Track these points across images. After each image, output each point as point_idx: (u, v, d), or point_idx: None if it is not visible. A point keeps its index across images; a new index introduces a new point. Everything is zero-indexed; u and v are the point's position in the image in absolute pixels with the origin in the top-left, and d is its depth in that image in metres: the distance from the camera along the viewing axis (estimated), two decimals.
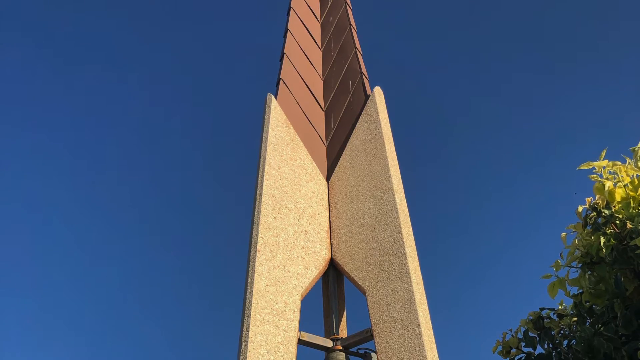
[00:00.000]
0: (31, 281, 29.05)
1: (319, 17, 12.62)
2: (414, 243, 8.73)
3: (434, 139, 30.91)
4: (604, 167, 7.13)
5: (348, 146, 9.87)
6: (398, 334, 8.04)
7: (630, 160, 7.32)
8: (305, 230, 9.11)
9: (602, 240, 6.02)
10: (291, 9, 11.90)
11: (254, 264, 8.38)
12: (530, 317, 6.13)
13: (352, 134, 9.92)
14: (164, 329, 30.16)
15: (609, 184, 6.73)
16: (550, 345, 5.27)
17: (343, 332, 9.17)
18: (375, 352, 8.42)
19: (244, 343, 7.82)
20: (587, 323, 5.59)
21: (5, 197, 29.00)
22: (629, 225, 5.98)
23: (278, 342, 8.00)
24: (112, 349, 29.51)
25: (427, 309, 8.28)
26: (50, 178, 29.98)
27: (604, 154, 7.20)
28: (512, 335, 6.06)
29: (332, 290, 9.23)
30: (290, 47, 11.27)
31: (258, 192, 9.13)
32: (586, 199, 7.12)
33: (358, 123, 9.94)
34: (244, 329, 7.94)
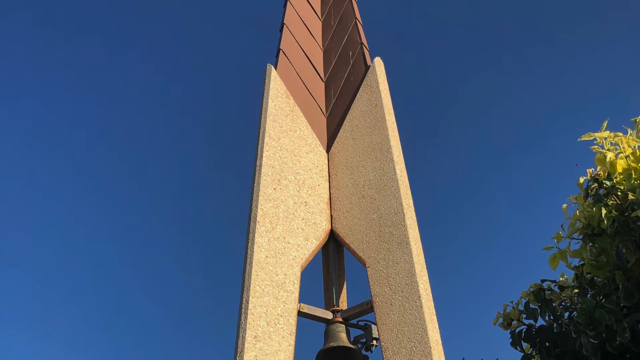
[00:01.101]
0: (30, 255, 29.07)
1: None
2: (414, 214, 8.70)
3: (434, 110, 30.83)
4: (605, 138, 7.07)
5: (348, 117, 9.81)
6: (398, 306, 8.02)
7: (631, 132, 7.27)
8: (305, 202, 9.08)
9: (604, 211, 5.98)
10: None
11: (254, 236, 8.35)
12: (532, 289, 6.11)
13: (352, 105, 9.86)
14: (163, 302, 30.22)
15: (610, 155, 6.68)
16: (552, 317, 5.24)
17: (343, 304, 9.16)
18: (375, 324, 8.41)
19: (243, 315, 7.80)
20: (589, 295, 5.56)
21: (4, 169, 28.96)
22: (630, 196, 5.94)
23: (278, 314, 7.98)
24: (111, 323, 29.59)
25: (427, 280, 8.25)
26: (49, 150, 29.92)
27: (605, 125, 7.15)
28: (513, 307, 6.04)
29: (332, 262, 9.21)
30: (290, 17, 11.18)
31: (258, 163, 9.08)
32: (587, 170, 7.08)
33: (358, 94, 9.89)
34: (244, 301, 7.92)
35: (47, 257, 29.43)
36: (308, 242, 8.71)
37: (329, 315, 8.69)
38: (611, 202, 6.25)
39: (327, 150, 9.88)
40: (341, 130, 9.81)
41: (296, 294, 8.29)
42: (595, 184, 6.44)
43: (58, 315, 29.53)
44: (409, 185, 8.98)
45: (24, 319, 29.28)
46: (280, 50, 10.37)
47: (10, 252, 28.98)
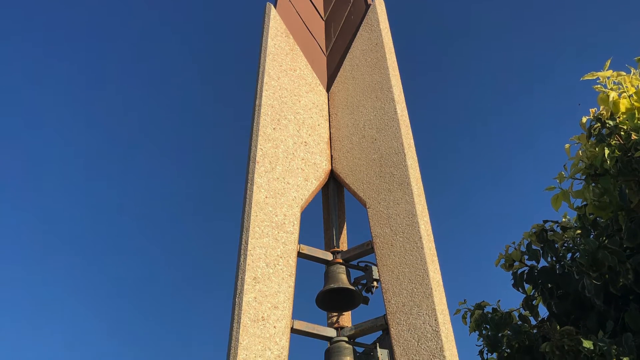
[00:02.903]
0: (29, 195, 29.06)
1: None
2: (415, 154, 8.64)
3: (435, 48, 30.59)
4: (608, 78, 6.97)
5: (348, 56, 9.71)
6: (399, 247, 7.99)
7: (635, 71, 7.17)
8: (305, 142, 9.01)
9: (607, 151, 5.90)
10: None
11: (253, 176, 8.29)
12: (534, 230, 6.05)
13: (353, 44, 9.75)
14: (161, 244, 30.31)
15: (613, 95, 6.59)
16: (554, 259, 5.19)
17: (343, 245, 9.13)
18: (376, 265, 8.39)
19: (242, 256, 7.77)
20: (591, 236, 5.50)
21: (4, 111, 28.84)
22: (633, 136, 5.86)
23: (277, 255, 7.95)
24: (109, 267, 29.70)
25: (428, 221, 8.21)
26: (47, 92, 29.76)
27: (608, 64, 7.04)
28: (515, 249, 5.98)
29: (333, 203, 9.17)
30: None
31: (257, 102, 9.00)
32: (590, 109, 6.99)
33: (358, 33, 9.77)
34: (243, 242, 7.89)
35: (46, 199, 29.44)
36: (308, 182, 8.66)
37: (329, 256, 8.66)
38: (614, 142, 6.17)
39: (327, 90, 9.79)
40: (341, 70, 9.72)
41: (296, 235, 8.26)
42: (598, 124, 6.35)
43: (57, 259, 29.65)
44: (409, 125, 8.91)
45: (23, 261, 29.39)
46: None
47: (9, 195, 28.98)
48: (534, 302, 5.37)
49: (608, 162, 5.70)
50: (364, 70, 9.42)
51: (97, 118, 29.98)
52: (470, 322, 4.97)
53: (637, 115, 6.39)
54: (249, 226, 7.91)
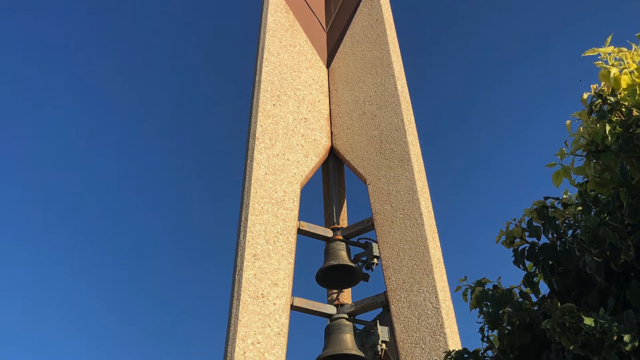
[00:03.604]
0: (28, 171, 29.03)
1: None
2: (415, 131, 8.62)
3: (435, 25, 30.46)
4: (609, 54, 6.90)
5: (348, 32, 9.66)
6: (399, 224, 7.97)
7: (636, 47, 7.10)
8: (305, 118, 8.98)
9: (608, 128, 5.86)
10: None
11: (253, 152, 8.28)
12: (535, 207, 6.02)
13: (353, 19, 9.70)
14: (162, 220, 30.30)
15: (614, 71, 6.54)
16: (555, 235, 5.16)
17: (343, 222, 9.13)
18: (376, 241, 8.38)
19: (242, 233, 7.76)
20: (592, 212, 5.47)
21: (3, 79, 28.73)
22: (635, 112, 5.82)
23: (277, 232, 7.94)
24: (110, 240, 29.71)
25: (429, 198, 8.20)
26: (46, 62, 29.65)
27: (609, 40, 6.97)
28: (516, 225, 5.95)
29: (333, 179, 9.16)
30: None
31: (257, 79, 8.98)
32: (591, 85, 6.94)
33: (359, 9, 9.72)
34: (243, 219, 7.88)
35: (46, 169, 29.40)
36: (308, 159, 8.64)
37: (329, 233, 8.65)
38: (615, 118, 6.13)
39: (327, 66, 9.75)
40: (341, 46, 9.67)
41: (296, 212, 8.24)
42: (599, 100, 6.30)
43: (56, 234, 29.65)
44: (410, 101, 8.88)
45: (23, 233, 29.40)
46: None
47: (10, 167, 28.94)
48: (534, 279, 5.35)
49: (609, 138, 5.65)
50: (364, 47, 9.38)
51: (97, 93, 29.88)
52: (471, 299, 4.94)
53: (638, 92, 6.34)
54: (248, 203, 7.90)
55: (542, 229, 5.32)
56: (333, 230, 8.68)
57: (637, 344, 3.61)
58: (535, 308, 4.71)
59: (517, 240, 5.38)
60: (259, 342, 7.28)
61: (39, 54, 29.72)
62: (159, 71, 30.77)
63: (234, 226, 8.02)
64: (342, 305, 8.38)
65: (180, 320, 29.90)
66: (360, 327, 8.44)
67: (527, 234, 5.34)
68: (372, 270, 8.59)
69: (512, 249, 5.28)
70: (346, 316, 8.22)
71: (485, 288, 5.00)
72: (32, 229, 29.33)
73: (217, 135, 30.39)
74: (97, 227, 29.69)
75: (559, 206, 5.77)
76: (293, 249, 7.94)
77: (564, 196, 6.48)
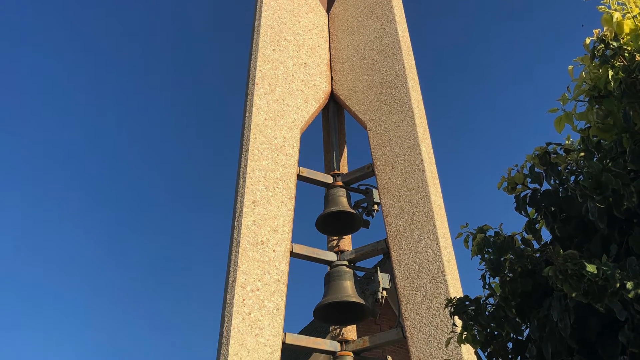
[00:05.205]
0: (27, 121, 28.94)
1: None
2: (416, 76, 8.55)
3: None
4: None
5: None
6: (400, 170, 7.93)
7: None
8: (305, 63, 8.90)
9: (610, 73, 5.79)
10: None
11: (252, 98, 8.21)
12: (537, 153, 5.97)
13: None
14: (161, 166, 30.29)
15: (617, 15, 6.46)
16: (557, 181, 5.11)
17: (344, 168, 9.08)
18: (376, 188, 8.34)
19: (241, 179, 7.72)
20: (595, 158, 5.43)
21: (1, 28, 28.54)
22: (637, 57, 5.75)
23: (277, 178, 7.90)
24: (110, 187, 29.72)
25: (430, 144, 8.15)
26: (45, 14, 29.43)
27: None
28: (518, 171, 5.91)
29: (333, 125, 9.10)
30: None
31: (256, 23, 8.88)
32: (594, 30, 6.86)
33: None
34: (242, 165, 7.83)
35: (45, 119, 29.33)
36: (308, 104, 8.57)
37: (329, 179, 8.61)
38: (618, 63, 6.06)
39: (328, 11, 9.64)
40: None
41: (295, 158, 8.20)
42: (602, 45, 6.22)
43: (54, 181, 29.65)
44: (410, 46, 8.79)
45: (22, 184, 29.40)
46: None
47: (9, 117, 28.86)
48: (536, 226, 5.31)
49: (612, 83, 5.58)
50: None
51: (95, 41, 29.68)
52: (472, 246, 4.91)
53: None
54: (247, 149, 7.85)
55: (544, 175, 5.28)
56: (333, 176, 8.64)
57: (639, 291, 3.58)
58: (537, 255, 4.67)
59: (519, 186, 5.34)
60: (258, 289, 7.27)
61: (38, 3, 29.47)
62: (157, 19, 30.55)
63: (233, 172, 7.98)
64: (342, 252, 8.37)
65: (179, 268, 30.08)
66: (360, 274, 8.44)
67: (529, 180, 5.30)
68: (372, 216, 8.56)
69: (513, 195, 5.24)
70: (346, 263, 8.21)
71: (487, 235, 4.96)
72: (30, 176, 29.33)
73: (216, 82, 30.25)
74: (96, 175, 29.72)
75: (561, 152, 5.72)
76: (293, 196, 7.90)
77: (566, 142, 6.43)
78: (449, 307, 4.65)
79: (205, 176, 31.24)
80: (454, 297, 4.66)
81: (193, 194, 31.60)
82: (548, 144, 5.81)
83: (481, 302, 4.64)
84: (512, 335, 4.58)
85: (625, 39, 6.14)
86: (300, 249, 7.98)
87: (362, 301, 7.93)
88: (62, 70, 29.79)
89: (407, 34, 8.93)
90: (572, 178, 5.25)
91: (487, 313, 4.61)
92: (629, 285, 3.55)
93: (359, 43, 9.02)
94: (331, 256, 8.29)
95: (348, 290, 7.95)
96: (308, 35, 9.15)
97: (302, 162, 8.34)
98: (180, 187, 31.84)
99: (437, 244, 7.45)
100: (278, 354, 7.18)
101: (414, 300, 7.39)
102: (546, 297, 4.15)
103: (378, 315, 8.64)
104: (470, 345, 4.58)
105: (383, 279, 7.94)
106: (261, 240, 7.50)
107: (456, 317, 4.62)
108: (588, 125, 6.08)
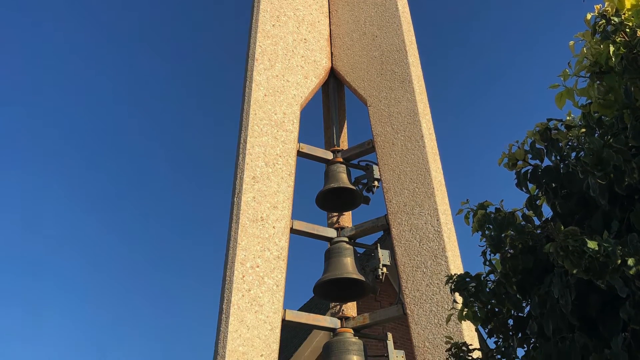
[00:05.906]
0: (26, 91, 28.86)
1: None
2: (417, 52, 8.51)
3: None
4: None
5: None
6: (400, 146, 7.90)
7: None
8: (305, 39, 8.86)
9: (612, 48, 5.76)
10: None
11: (252, 74, 8.18)
12: (538, 129, 5.95)
13: None
14: (161, 142, 30.25)
15: None
16: (558, 158, 5.09)
17: (344, 144, 9.05)
18: (376, 164, 8.32)
19: (241, 155, 7.69)
20: (596, 134, 5.41)
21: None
22: (639, 33, 5.72)
23: (277, 154, 7.88)
24: (108, 164, 29.70)
25: (430, 120, 8.12)
26: None
27: None
28: (519, 147, 5.89)
29: (333, 101, 9.07)
30: None
31: None
32: (595, 6, 6.83)
33: None
34: (241, 141, 7.80)
35: (43, 90, 29.24)
36: (308, 80, 8.53)
37: (329, 155, 8.59)
38: (619, 39, 6.02)
39: None
40: None
41: (295, 134, 8.17)
42: (603, 21, 6.18)
43: (54, 157, 29.62)
44: (411, 21, 8.75)
45: (23, 160, 29.37)
46: None
47: (7, 86, 28.78)
48: (537, 202, 5.30)
49: (613, 59, 5.55)
50: None
51: (94, 11, 29.57)
52: (473, 222, 4.89)
53: None
54: (247, 125, 7.82)
55: (545, 151, 5.26)
56: (333, 152, 8.62)
57: None
58: (538, 231, 4.66)
59: (520, 162, 5.32)
60: (258, 266, 7.26)
61: None
62: None
63: (233, 148, 7.96)
64: (342, 228, 8.36)
65: (179, 243, 30.08)
66: (360, 250, 8.43)
67: (529, 156, 5.28)
68: (372, 192, 8.54)
69: (514, 171, 5.23)
70: (346, 239, 8.20)
71: (488, 211, 4.95)
72: (29, 148, 29.27)
73: (216, 56, 30.15)
74: (94, 148, 29.69)
75: (562, 128, 5.70)
76: (293, 172, 7.88)
77: (567, 118, 6.41)
78: (450, 284, 4.64)
79: (205, 152, 31.21)
80: (455, 274, 4.65)
81: (193, 170, 31.58)
82: (549, 119, 5.78)
83: (482, 278, 4.63)
84: (512, 312, 4.57)
85: (626, 15, 6.10)
86: (300, 225, 7.97)
87: (362, 278, 7.93)
88: (61, 39, 29.69)
89: (407, 9, 8.89)
90: (573, 154, 5.23)
91: (487, 290, 4.60)
92: (630, 261, 3.54)
93: (359, 18, 8.98)
94: (331, 233, 8.28)
95: (348, 266, 7.95)
96: (308, 10, 9.11)
97: (302, 138, 8.32)
98: (180, 163, 31.83)
99: (437, 220, 7.44)
100: (278, 330, 7.19)
101: (414, 276, 7.39)
102: (547, 273, 4.14)
103: (378, 292, 8.65)
104: (471, 321, 4.58)
105: (383, 256, 7.93)
106: (261, 217, 7.49)
107: (457, 294, 4.61)
108: (589, 101, 6.06)
